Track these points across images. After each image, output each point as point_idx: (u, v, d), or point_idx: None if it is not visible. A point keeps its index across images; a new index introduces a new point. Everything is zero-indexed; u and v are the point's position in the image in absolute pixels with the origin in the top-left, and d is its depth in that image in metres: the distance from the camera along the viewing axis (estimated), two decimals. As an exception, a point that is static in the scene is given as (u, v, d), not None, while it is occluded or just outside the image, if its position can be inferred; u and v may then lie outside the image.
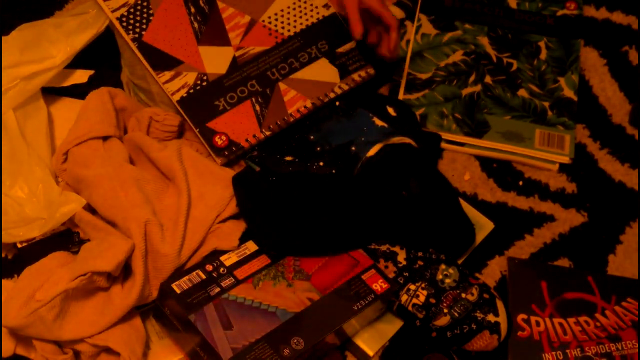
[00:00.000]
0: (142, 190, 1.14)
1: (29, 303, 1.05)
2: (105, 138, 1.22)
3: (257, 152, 1.22)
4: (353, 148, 1.17)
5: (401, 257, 1.16)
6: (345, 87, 1.29)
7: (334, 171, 1.16)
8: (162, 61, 1.24)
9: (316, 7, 1.32)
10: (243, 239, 1.16)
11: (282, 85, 1.26)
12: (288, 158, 1.19)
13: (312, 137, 1.21)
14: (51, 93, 1.34)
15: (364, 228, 1.17)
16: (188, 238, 1.13)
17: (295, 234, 1.15)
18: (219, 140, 1.21)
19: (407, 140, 1.19)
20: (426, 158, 1.22)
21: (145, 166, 1.21)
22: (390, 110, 1.26)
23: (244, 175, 1.19)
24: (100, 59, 1.39)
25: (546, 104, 1.40)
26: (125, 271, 1.12)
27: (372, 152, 1.16)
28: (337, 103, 1.27)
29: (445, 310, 1.13)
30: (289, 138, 1.24)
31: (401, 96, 1.39)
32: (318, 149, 1.20)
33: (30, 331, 1.06)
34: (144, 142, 1.20)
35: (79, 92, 1.35)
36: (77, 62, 1.31)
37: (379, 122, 1.21)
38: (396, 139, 1.18)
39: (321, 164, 1.17)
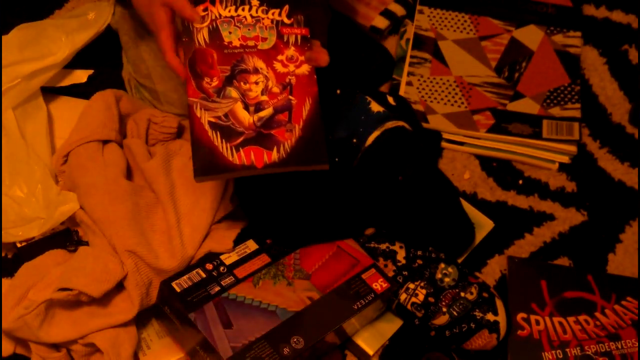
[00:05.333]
0: (136, 205, 1.13)
1: (21, 302, 1.05)
2: (105, 142, 1.21)
3: None
4: (354, 140, 1.17)
5: (400, 255, 1.16)
6: None
7: (336, 160, 1.16)
8: None
9: None
10: (242, 238, 1.16)
11: None
12: None
13: None
14: (50, 92, 1.34)
15: (363, 215, 1.17)
16: (187, 246, 1.12)
17: (294, 219, 1.15)
18: None
19: (401, 123, 1.18)
20: (419, 141, 1.22)
21: (140, 175, 1.21)
22: (390, 100, 1.26)
23: None
24: (100, 58, 1.39)
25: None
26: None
27: (369, 141, 1.16)
28: (338, 92, 1.26)
29: (444, 309, 1.13)
30: None
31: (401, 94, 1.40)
32: None
33: (19, 334, 1.06)
34: (136, 151, 1.19)
35: (78, 91, 1.35)
36: (76, 61, 1.31)
37: (375, 108, 1.20)
38: (390, 124, 1.18)
39: None
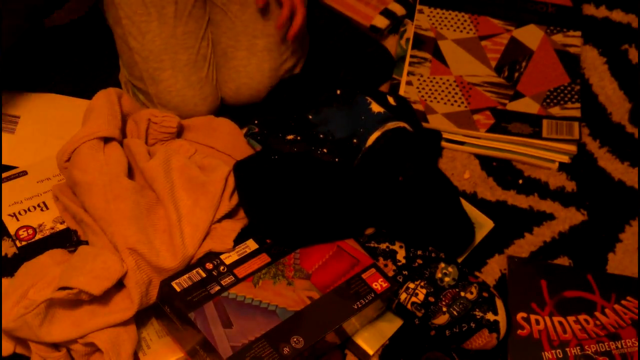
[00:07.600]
0: (137, 203, 1.13)
1: (21, 302, 1.05)
2: (107, 140, 1.21)
3: (259, 129, 1.22)
4: (355, 140, 1.18)
5: (400, 255, 1.16)
6: None
7: (337, 160, 1.16)
8: None
9: None
10: (242, 238, 1.16)
11: None
12: (289, 137, 1.19)
13: (310, 117, 1.21)
14: (50, 92, 1.34)
15: (363, 215, 1.17)
16: (188, 245, 1.12)
17: (294, 219, 1.15)
18: None
19: (401, 124, 1.18)
20: (420, 141, 1.22)
21: (140, 174, 1.21)
22: (391, 100, 1.26)
23: (245, 162, 1.19)
24: (98, 62, 1.40)
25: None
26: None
27: (370, 141, 1.16)
28: (339, 92, 1.27)
29: (444, 309, 1.13)
30: (288, 118, 1.23)
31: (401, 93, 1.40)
32: (321, 136, 1.20)
33: (19, 334, 1.06)
34: (136, 151, 1.19)
35: (78, 91, 1.35)
36: (75, 65, 1.30)
37: (376, 108, 1.20)
38: (391, 124, 1.18)
39: (325, 150, 1.17)
